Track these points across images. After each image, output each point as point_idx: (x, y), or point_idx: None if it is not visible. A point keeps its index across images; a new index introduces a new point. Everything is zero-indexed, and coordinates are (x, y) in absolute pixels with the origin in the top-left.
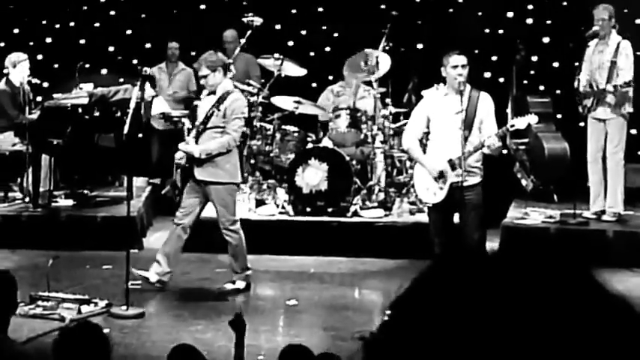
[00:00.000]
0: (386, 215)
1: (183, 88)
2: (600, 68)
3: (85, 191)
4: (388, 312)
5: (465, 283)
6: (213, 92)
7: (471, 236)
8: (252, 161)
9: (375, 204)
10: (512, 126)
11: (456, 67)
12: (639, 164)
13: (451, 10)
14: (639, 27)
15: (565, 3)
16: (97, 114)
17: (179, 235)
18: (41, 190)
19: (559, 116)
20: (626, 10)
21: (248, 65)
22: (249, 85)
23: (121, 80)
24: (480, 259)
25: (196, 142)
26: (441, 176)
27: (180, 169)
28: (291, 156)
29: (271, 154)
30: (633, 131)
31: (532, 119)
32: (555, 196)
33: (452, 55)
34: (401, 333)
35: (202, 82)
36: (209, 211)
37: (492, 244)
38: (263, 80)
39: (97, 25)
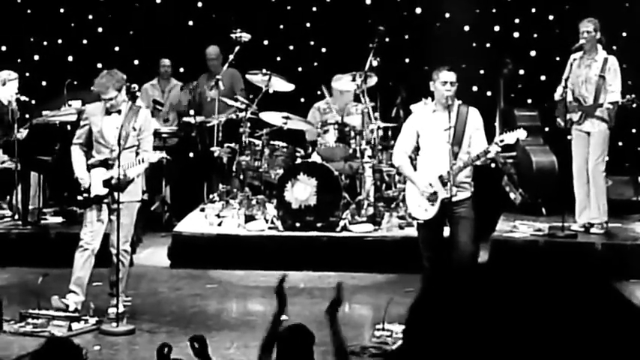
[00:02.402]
0: (375, 230)
1: (176, 102)
2: (587, 83)
3: (74, 208)
4: (403, 328)
5: (465, 298)
6: (117, 111)
7: (463, 250)
8: (241, 177)
9: (364, 218)
10: (501, 141)
11: (445, 83)
12: (626, 176)
13: (438, 24)
14: (625, 40)
15: (551, 17)
16: None
17: (91, 260)
18: (30, 207)
19: (547, 129)
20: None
21: (233, 80)
22: (237, 100)
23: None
24: (474, 273)
25: (119, 165)
26: (433, 194)
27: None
28: (280, 171)
29: (260, 170)
30: (620, 143)
31: (521, 134)
32: (544, 209)
33: (442, 71)
34: (417, 349)
35: (109, 104)
36: (195, 227)
37: (482, 258)
38: (252, 96)
39: (85, 41)
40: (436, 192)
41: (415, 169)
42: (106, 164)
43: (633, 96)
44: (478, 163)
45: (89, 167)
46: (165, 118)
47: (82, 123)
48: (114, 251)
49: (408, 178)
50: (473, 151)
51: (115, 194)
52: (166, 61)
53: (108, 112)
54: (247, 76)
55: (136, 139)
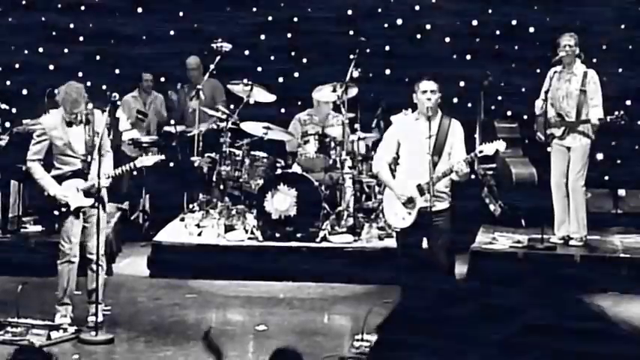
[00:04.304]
0: (355, 240)
1: (158, 114)
2: (568, 97)
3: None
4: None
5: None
6: (81, 121)
7: (440, 261)
8: (222, 187)
9: (344, 229)
10: (480, 152)
11: (425, 92)
12: (606, 189)
13: (419, 36)
14: (605, 53)
15: (532, 29)
16: None
17: (75, 270)
18: (10, 215)
19: (526, 141)
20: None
21: (214, 91)
22: (218, 110)
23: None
24: (449, 283)
25: (98, 173)
26: (409, 201)
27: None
28: (260, 181)
29: (240, 180)
30: (600, 156)
31: (500, 145)
32: (523, 221)
33: (422, 81)
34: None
35: (78, 117)
36: (175, 237)
37: (461, 269)
38: (232, 106)
39: (66, 50)
40: (413, 199)
41: (394, 177)
42: (81, 174)
43: (622, 112)
44: (454, 177)
45: (58, 181)
46: (147, 130)
47: (39, 139)
48: (93, 258)
49: (386, 184)
50: (452, 162)
51: (91, 201)
52: (148, 75)
53: (69, 124)
54: (228, 86)
55: (98, 142)
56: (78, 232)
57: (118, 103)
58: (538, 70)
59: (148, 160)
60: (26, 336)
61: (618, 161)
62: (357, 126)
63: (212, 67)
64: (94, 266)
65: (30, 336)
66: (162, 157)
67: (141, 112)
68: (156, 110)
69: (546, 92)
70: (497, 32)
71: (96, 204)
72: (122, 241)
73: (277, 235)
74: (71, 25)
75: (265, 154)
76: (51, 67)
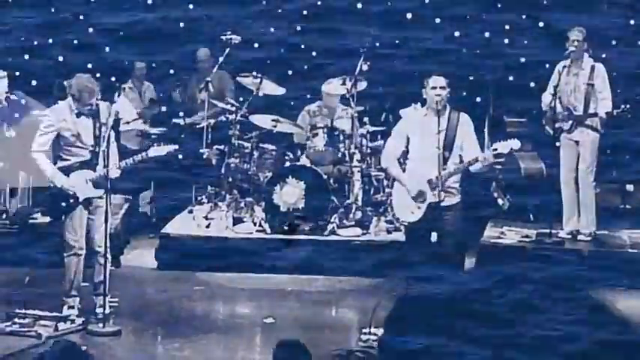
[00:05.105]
0: (363, 234)
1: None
2: (576, 91)
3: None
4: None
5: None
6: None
7: (449, 255)
8: (230, 179)
9: (352, 222)
10: (495, 149)
11: (434, 88)
12: (614, 184)
13: (428, 29)
14: (615, 49)
15: (541, 24)
16: None
17: (82, 262)
18: (18, 206)
19: (535, 136)
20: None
21: (222, 82)
22: (227, 102)
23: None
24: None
25: (106, 164)
26: (420, 196)
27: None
28: (269, 174)
29: (249, 172)
30: (608, 151)
31: (515, 144)
32: (531, 216)
33: (431, 77)
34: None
35: (86, 109)
36: (184, 229)
37: (469, 263)
38: (241, 99)
39: (75, 42)
40: (423, 194)
41: (404, 172)
42: (89, 165)
43: (628, 106)
44: (470, 169)
45: (66, 172)
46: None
47: (45, 130)
48: (101, 250)
49: (396, 178)
50: (464, 156)
51: (100, 192)
52: (141, 64)
53: (78, 115)
54: (238, 79)
55: (106, 133)
56: (84, 224)
57: (122, 93)
58: (547, 65)
59: (162, 149)
60: (34, 327)
61: (627, 156)
62: (365, 119)
63: (221, 59)
64: (100, 259)
65: (37, 327)
66: (176, 146)
67: (153, 101)
68: (151, 99)
69: (555, 86)
70: (507, 27)
71: (104, 195)
72: (131, 232)
73: (285, 227)
74: (81, 17)
75: (274, 147)
76: (60, 58)
